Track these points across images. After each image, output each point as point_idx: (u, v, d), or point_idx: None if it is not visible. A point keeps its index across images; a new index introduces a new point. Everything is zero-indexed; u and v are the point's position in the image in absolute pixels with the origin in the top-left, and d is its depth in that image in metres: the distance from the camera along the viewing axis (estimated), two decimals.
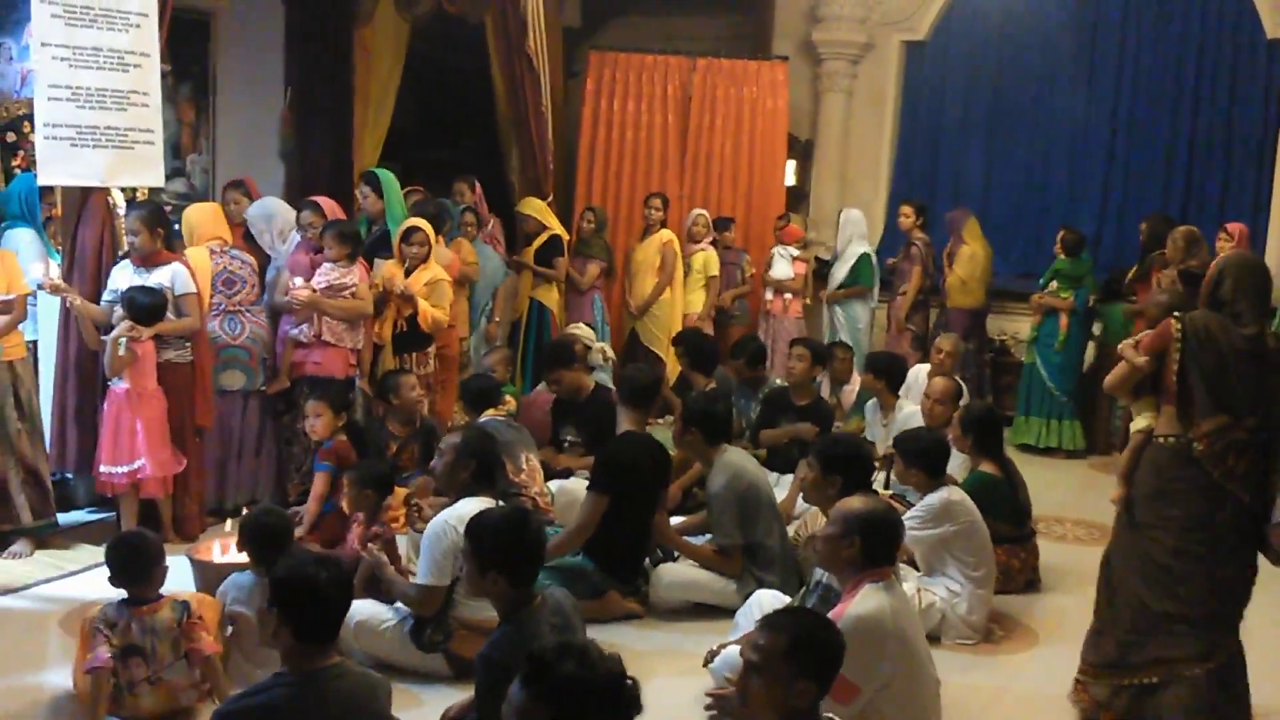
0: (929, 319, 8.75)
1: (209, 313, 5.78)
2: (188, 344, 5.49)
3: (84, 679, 3.71)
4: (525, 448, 5.59)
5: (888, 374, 6.56)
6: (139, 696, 3.71)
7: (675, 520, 5.51)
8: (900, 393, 6.59)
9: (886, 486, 5.79)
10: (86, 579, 4.99)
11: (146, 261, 5.39)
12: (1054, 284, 8.16)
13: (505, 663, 2.94)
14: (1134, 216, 9.07)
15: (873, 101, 10.24)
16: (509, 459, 5.33)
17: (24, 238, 5.55)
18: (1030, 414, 8.27)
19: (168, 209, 6.10)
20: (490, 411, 5.71)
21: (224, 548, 4.77)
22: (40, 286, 5.28)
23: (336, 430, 5.40)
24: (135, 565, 3.80)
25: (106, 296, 5.37)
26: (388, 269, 6.32)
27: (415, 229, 6.36)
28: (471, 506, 4.22)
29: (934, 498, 4.81)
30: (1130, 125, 9.54)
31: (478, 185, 8.00)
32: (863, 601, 3.38)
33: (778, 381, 7.19)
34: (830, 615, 3.36)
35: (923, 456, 4.90)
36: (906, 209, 8.74)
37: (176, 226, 6.28)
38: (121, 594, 3.80)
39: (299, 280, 5.87)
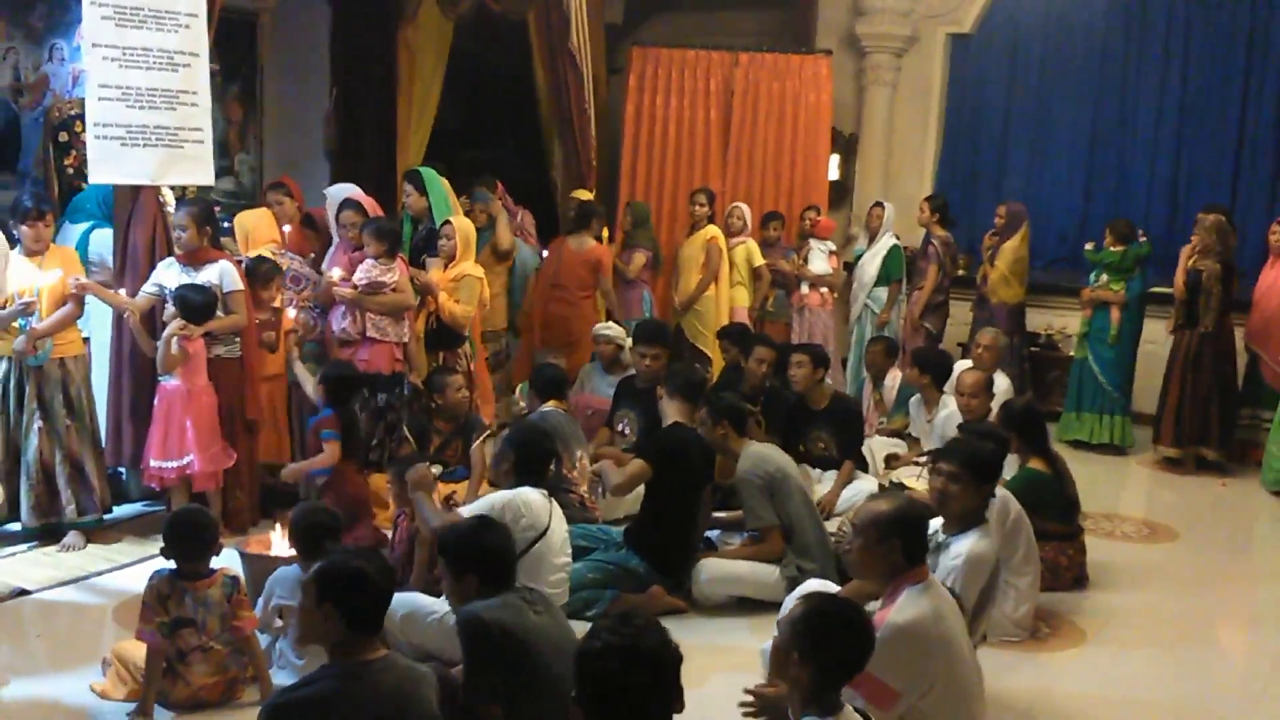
0: (945, 318, 8.66)
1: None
2: (237, 339, 5.56)
3: (133, 650, 3.83)
4: (580, 445, 5.60)
5: (933, 370, 6.51)
6: (191, 665, 3.81)
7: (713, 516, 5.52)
8: (945, 389, 6.53)
9: None
10: (139, 571, 5.04)
11: (193, 259, 5.44)
12: (1104, 277, 8.06)
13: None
14: (1184, 209, 8.94)
15: (917, 95, 10.16)
16: (565, 454, 5.35)
17: (109, 239, 5.65)
18: (1082, 410, 8.17)
19: (216, 208, 6.19)
20: (553, 403, 5.70)
21: (269, 544, 4.82)
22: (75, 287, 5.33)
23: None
24: (192, 542, 3.90)
25: (148, 288, 5.42)
26: (431, 266, 6.41)
27: (447, 222, 6.46)
28: (532, 495, 4.31)
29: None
30: (1178, 116, 9.39)
31: (499, 186, 8.02)
32: (903, 609, 3.33)
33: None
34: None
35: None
36: (924, 205, 8.65)
37: (224, 224, 6.37)
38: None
39: (337, 271, 5.94)
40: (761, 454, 5.06)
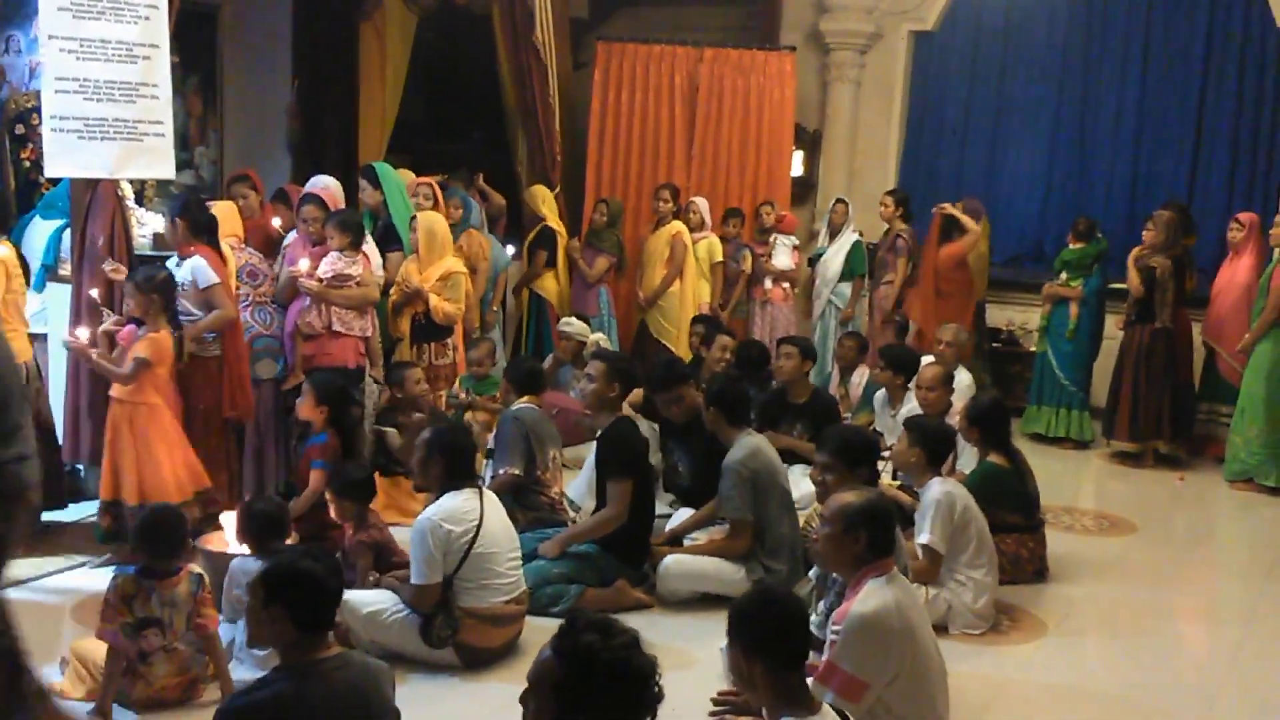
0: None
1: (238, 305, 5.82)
2: (211, 336, 5.41)
3: (92, 649, 3.80)
4: (554, 444, 5.54)
5: (899, 367, 6.54)
6: (153, 665, 3.77)
7: (683, 513, 5.52)
8: (911, 385, 6.57)
9: (895, 478, 5.79)
10: (97, 570, 5.00)
11: (181, 253, 5.42)
12: (1063, 274, 8.14)
13: None
14: (1143, 205, 9.05)
15: (880, 92, 10.21)
16: (539, 453, 5.32)
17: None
18: (1042, 403, 8.26)
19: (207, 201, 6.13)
20: (529, 398, 5.61)
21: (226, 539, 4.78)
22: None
23: (327, 424, 5.19)
24: (164, 541, 3.85)
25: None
26: (406, 267, 6.42)
27: (415, 217, 6.50)
28: (455, 502, 4.23)
29: (937, 490, 4.78)
30: (1138, 114, 9.50)
31: (479, 177, 7.99)
32: (866, 599, 3.36)
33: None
34: (835, 615, 3.37)
35: (926, 437, 4.90)
36: (886, 199, 8.67)
37: None
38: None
39: (305, 263, 5.87)
40: (755, 446, 5.03)
